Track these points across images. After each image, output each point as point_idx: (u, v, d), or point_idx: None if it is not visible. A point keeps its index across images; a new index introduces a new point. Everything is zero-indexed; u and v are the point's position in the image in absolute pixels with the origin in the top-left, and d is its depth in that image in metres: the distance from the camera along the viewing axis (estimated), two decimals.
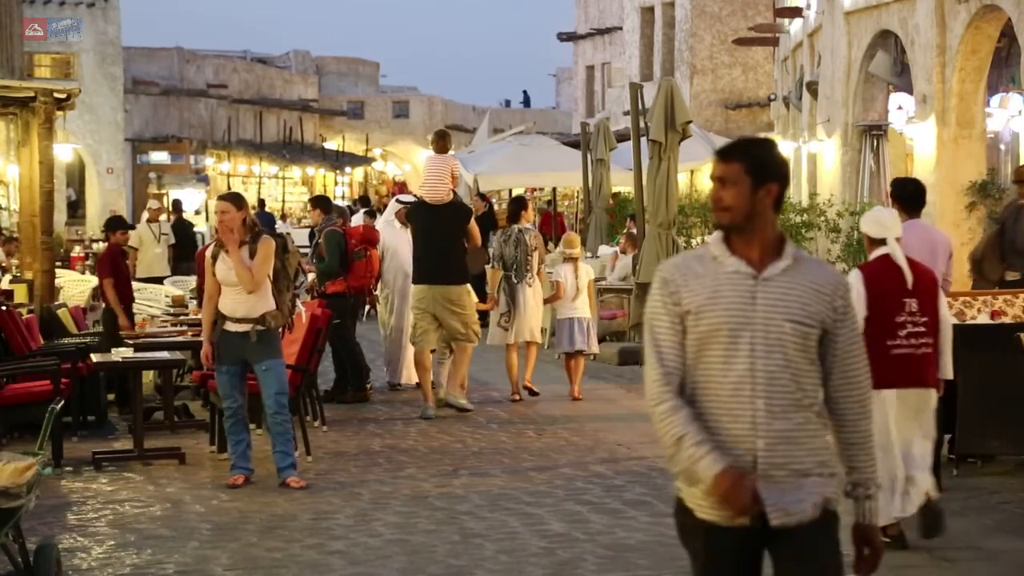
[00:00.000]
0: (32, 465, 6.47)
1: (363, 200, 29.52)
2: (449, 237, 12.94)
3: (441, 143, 13.65)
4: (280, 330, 9.82)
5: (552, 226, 26.78)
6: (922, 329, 7.51)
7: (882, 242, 7.59)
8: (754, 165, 4.07)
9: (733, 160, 4.08)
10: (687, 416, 4.01)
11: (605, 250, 20.71)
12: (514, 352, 13.84)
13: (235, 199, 9.86)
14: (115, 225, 14.03)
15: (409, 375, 14.62)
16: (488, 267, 15.48)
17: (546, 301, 14.26)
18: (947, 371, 7.78)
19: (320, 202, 15.46)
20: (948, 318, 7.82)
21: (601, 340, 16.49)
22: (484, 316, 14.20)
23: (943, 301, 7.76)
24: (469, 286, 13.21)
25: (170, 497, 9.51)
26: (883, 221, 7.68)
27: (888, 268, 7.55)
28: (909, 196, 9.18)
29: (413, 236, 13.56)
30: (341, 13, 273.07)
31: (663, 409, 4.03)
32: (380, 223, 15.47)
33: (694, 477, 4.00)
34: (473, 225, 13.23)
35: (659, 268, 4.20)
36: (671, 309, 4.08)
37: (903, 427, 7.66)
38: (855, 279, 7.46)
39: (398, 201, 15.33)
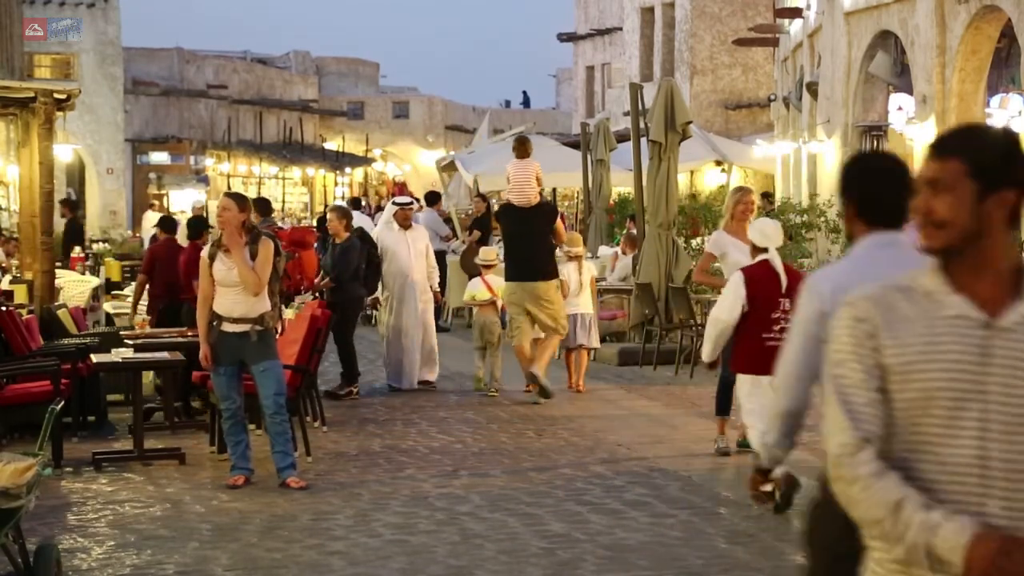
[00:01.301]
0: (32, 465, 6.47)
1: (354, 202, 29.68)
2: (537, 237, 13.60)
3: (522, 149, 14.21)
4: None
5: None
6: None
7: (764, 250, 9.02)
8: (980, 163, 2.93)
9: (950, 155, 2.95)
10: (900, 479, 2.91)
11: (605, 251, 20.71)
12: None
13: (238, 199, 9.86)
14: (206, 225, 14.02)
15: (411, 380, 14.61)
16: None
17: None
18: None
19: (257, 205, 15.60)
20: None
21: (601, 340, 16.52)
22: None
23: None
24: (557, 282, 13.78)
25: (170, 497, 9.51)
26: (767, 232, 9.13)
27: (766, 271, 8.93)
28: None
29: (503, 237, 14.22)
30: (341, 13, 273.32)
31: (864, 472, 2.92)
32: (379, 225, 15.50)
33: (933, 554, 2.83)
34: (559, 224, 13.93)
35: (849, 301, 3.06)
36: (866, 356, 2.97)
37: (760, 412, 8.20)
38: (737, 280, 8.82)
39: (395, 203, 15.35)
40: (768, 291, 8.86)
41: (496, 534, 8.34)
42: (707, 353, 9.18)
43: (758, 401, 8.55)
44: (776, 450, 4.44)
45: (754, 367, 8.68)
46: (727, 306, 8.91)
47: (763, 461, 4.55)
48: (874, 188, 4.32)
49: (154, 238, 31.67)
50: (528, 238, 13.57)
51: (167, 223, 15.41)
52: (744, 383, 8.92)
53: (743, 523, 8.46)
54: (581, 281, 14.27)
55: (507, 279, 13.79)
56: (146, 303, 14.39)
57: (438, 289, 15.52)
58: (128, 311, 15.52)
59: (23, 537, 6.66)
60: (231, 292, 9.59)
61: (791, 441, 4.42)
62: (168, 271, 13.83)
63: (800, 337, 4.31)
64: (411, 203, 15.72)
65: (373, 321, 17.49)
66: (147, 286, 14.38)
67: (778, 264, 9.00)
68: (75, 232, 24.23)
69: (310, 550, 8.00)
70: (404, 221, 14.83)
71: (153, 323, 13.32)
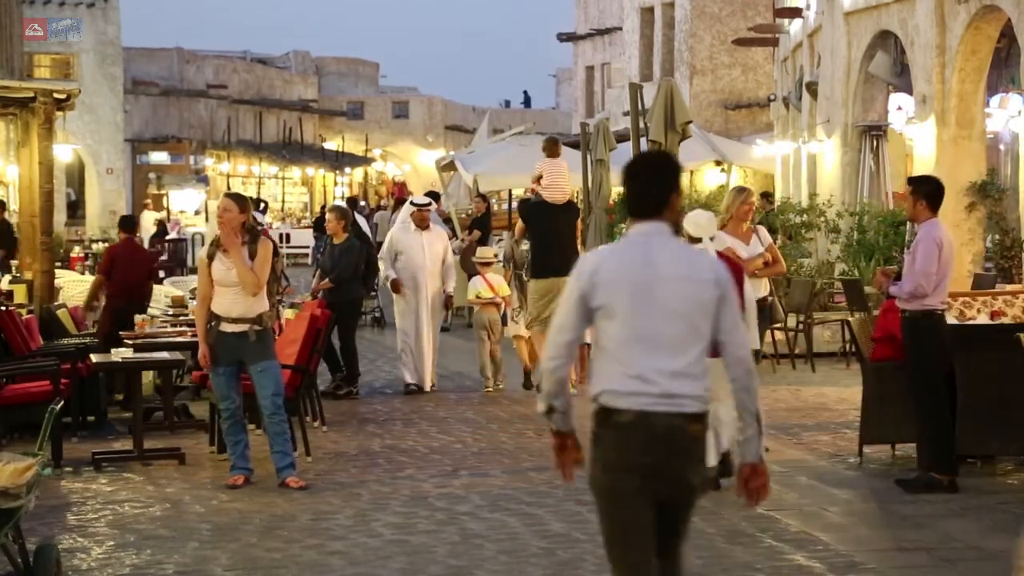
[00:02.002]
0: (32, 465, 6.47)
1: (351, 202, 29.77)
2: (567, 233, 13.92)
3: (554, 148, 14.39)
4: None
5: None
6: None
7: (699, 240, 9.22)
8: None
9: None
10: None
11: None
12: (523, 342, 14.19)
13: (239, 199, 9.87)
14: None
15: (422, 381, 14.56)
16: (500, 265, 15.74)
17: None
18: (755, 342, 9.59)
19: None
20: (752, 299, 9.42)
21: None
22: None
23: (747, 286, 9.41)
24: None
25: (170, 497, 9.51)
26: (700, 223, 9.33)
27: None
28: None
29: (533, 234, 14.14)
30: (341, 13, 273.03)
31: None
32: (395, 225, 15.44)
33: None
34: (579, 222, 14.35)
35: None
36: None
37: (717, 390, 8.15)
38: None
39: (412, 203, 15.30)
40: None
41: (496, 534, 8.34)
42: None
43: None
44: (550, 402, 5.44)
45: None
46: None
47: (553, 423, 5.50)
48: (634, 185, 4.96)
49: (152, 238, 31.55)
50: (563, 234, 13.87)
51: (126, 223, 15.05)
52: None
53: (743, 523, 8.46)
54: None
55: (540, 276, 13.73)
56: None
57: (451, 293, 15.30)
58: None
59: (23, 537, 6.66)
60: (229, 292, 9.60)
61: (562, 397, 5.46)
62: (126, 272, 13.73)
63: (565, 307, 4.97)
64: (429, 204, 15.54)
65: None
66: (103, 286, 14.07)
67: (712, 253, 9.07)
68: (6, 235, 22.17)
69: (310, 550, 8.00)
70: (421, 222, 14.73)
71: (107, 325, 13.26)
